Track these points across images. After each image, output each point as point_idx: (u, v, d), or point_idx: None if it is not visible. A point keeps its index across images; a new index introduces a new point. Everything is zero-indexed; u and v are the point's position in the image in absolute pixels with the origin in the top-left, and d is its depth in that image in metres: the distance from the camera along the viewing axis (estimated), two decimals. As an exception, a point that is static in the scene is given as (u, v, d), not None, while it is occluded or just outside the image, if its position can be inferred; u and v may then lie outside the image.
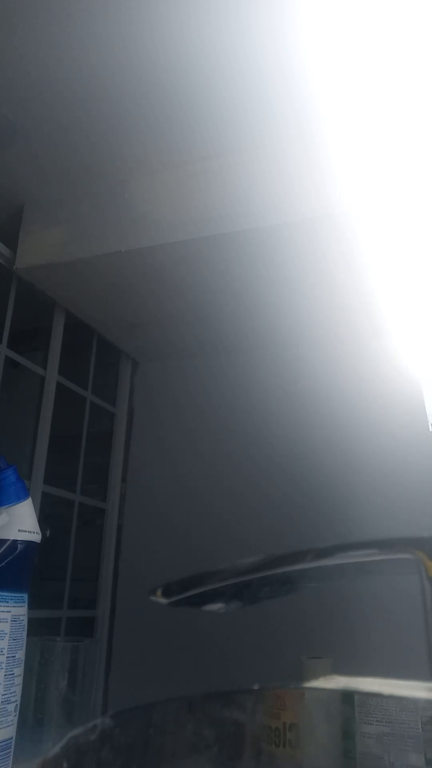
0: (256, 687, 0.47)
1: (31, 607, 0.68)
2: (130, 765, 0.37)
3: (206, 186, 0.96)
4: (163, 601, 0.39)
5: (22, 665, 0.65)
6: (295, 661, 0.86)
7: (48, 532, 0.75)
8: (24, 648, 0.66)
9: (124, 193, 1.02)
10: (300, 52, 0.77)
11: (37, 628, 0.72)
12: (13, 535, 0.66)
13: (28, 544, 0.67)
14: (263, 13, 0.72)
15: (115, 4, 0.72)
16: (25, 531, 0.67)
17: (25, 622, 0.66)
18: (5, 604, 0.64)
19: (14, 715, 0.63)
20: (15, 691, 0.64)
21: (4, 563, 0.64)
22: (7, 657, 0.63)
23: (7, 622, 0.63)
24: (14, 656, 0.64)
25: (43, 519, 0.75)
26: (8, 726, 0.62)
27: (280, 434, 1.22)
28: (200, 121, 0.90)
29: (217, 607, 0.42)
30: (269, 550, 0.40)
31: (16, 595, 0.65)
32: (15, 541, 0.66)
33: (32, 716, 0.73)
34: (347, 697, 0.53)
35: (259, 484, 1.20)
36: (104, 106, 0.88)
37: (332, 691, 0.54)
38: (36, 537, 0.69)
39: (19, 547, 0.66)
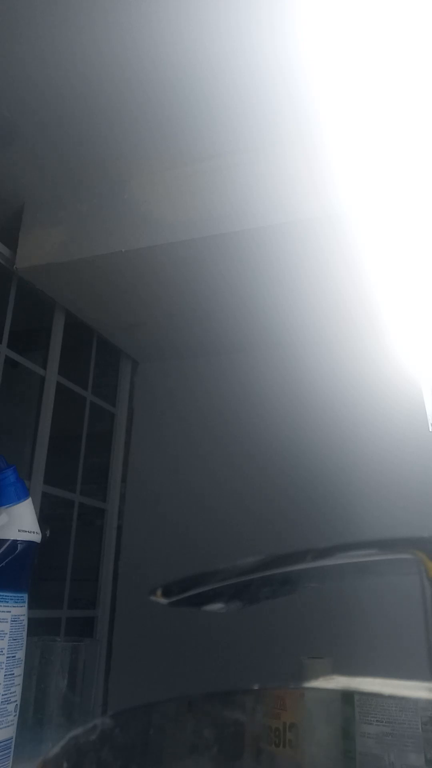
0: (256, 687, 0.47)
1: (31, 607, 0.68)
2: (130, 765, 0.37)
3: (206, 186, 0.96)
4: (163, 601, 0.39)
5: (22, 665, 0.65)
6: (295, 661, 0.85)
7: (48, 532, 0.74)
8: (24, 648, 0.66)
9: (124, 193, 1.02)
10: (300, 53, 0.77)
11: (37, 628, 0.72)
12: (13, 535, 0.66)
13: (28, 544, 0.67)
14: (263, 14, 0.72)
15: (115, 5, 0.72)
16: (25, 531, 0.67)
17: (25, 622, 0.66)
18: (5, 604, 0.63)
19: (14, 715, 0.63)
20: (15, 691, 0.64)
21: (4, 563, 0.64)
22: (7, 657, 0.63)
23: (7, 622, 0.63)
24: (14, 656, 0.64)
25: (43, 519, 0.75)
26: (8, 726, 0.62)
27: (279, 434, 1.22)
28: (200, 121, 0.90)
29: (217, 607, 0.42)
30: (269, 550, 0.40)
31: (16, 595, 0.65)
32: (15, 541, 0.66)
33: (32, 716, 0.73)
34: (347, 697, 0.53)
35: (259, 484, 1.20)
36: (104, 107, 0.88)
37: (332, 691, 0.54)
38: (36, 537, 0.69)
39: (19, 547, 0.66)
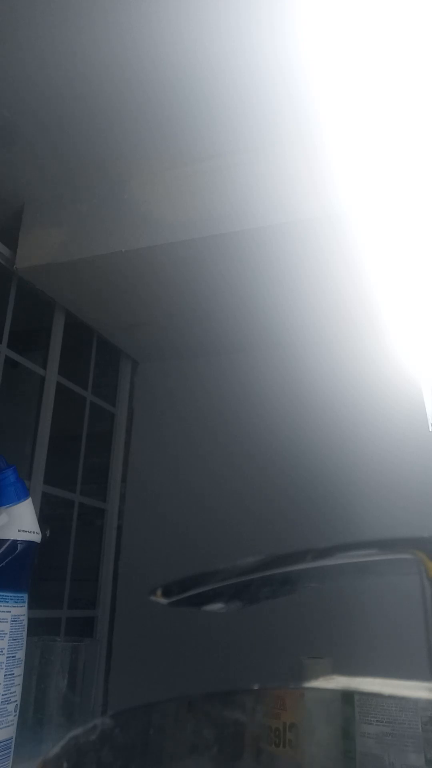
0: (256, 687, 0.47)
1: (31, 607, 0.68)
2: (130, 765, 0.37)
3: (206, 186, 0.96)
4: (163, 601, 0.38)
5: (22, 665, 0.65)
6: (295, 661, 0.86)
7: (48, 532, 0.75)
8: (24, 648, 0.66)
9: (124, 193, 1.02)
10: (300, 53, 0.77)
11: (37, 628, 0.72)
12: (13, 535, 0.66)
13: (28, 544, 0.67)
14: (263, 14, 0.72)
15: (115, 5, 0.72)
16: (25, 531, 0.67)
17: (25, 622, 0.66)
18: (5, 604, 0.63)
19: (14, 715, 0.63)
20: (15, 691, 0.64)
21: (4, 563, 0.64)
22: (7, 657, 0.63)
23: (7, 622, 0.63)
24: (14, 656, 0.64)
25: (43, 519, 0.75)
26: (8, 726, 0.62)
27: (280, 434, 1.22)
28: (200, 121, 0.90)
29: (217, 607, 0.42)
30: (269, 550, 0.40)
31: (16, 595, 0.65)
32: (15, 541, 0.66)
33: (32, 716, 0.73)
34: (347, 697, 0.53)
35: (259, 484, 1.20)
36: (105, 107, 0.88)
37: (332, 691, 0.54)
38: (36, 537, 0.69)
39: (19, 547, 0.66)
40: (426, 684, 0.51)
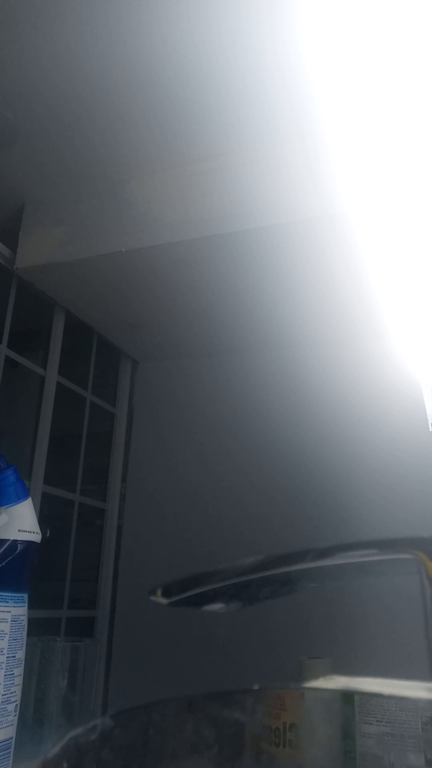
0: (256, 687, 0.47)
1: (31, 607, 0.68)
2: (130, 765, 0.37)
3: (206, 186, 0.96)
4: (163, 601, 0.39)
5: (22, 665, 0.65)
6: (295, 661, 0.86)
7: (48, 532, 0.75)
8: (24, 648, 0.66)
9: (124, 193, 1.02)
10: (300, 53, 0.77)
11: (37, 628, 0.72)
12: (13, 535, 0.66)
13: (28, 544, 0.67)
14: (264, 13, 0.72)
15: (115, 4, 0.72)
16: (25, 531, 0.67)
17: (25, 622, 0.66)
18: (5, 604, 0.64)
19: (14, 715, 0.63)
20: (15, 691, 0.64)
21: (4, 563, 0.64)
22: (7, 657, 0.63)
23: (7, 622, 0.63)
24: (14, 656, 0.64)
25: (43, 519, 0.75)
26: (8, 726, 0.62)
27: (280, 434, 1.22)
28: (200, 121, 0.90)
29: (217, 607, 0.42)
30: (269, 550, 0.40)
31: (16, 595, 0.65)
32: (15, 541, 0.66)
33: (32, 716, 0.73)
34: (347, 697, 0.53)
35: (259, 484, 1.20)
36: (105, 106, 0.88)
37: (332, 691, 0.54)
38: (36, 537, 0.69)
39: (19, 547, 0.66)
40: (426, 684, 0.51)
